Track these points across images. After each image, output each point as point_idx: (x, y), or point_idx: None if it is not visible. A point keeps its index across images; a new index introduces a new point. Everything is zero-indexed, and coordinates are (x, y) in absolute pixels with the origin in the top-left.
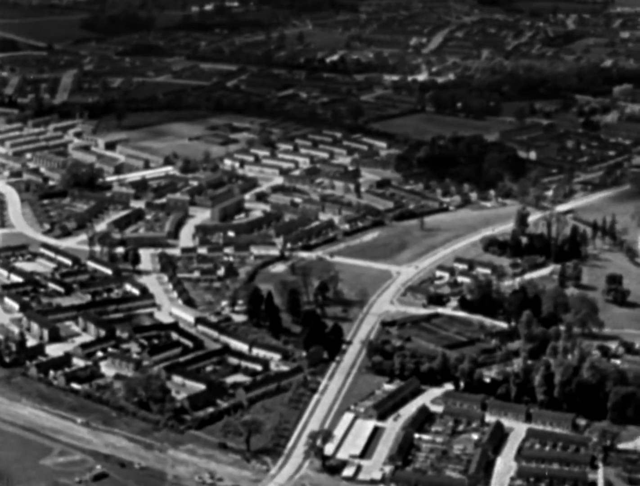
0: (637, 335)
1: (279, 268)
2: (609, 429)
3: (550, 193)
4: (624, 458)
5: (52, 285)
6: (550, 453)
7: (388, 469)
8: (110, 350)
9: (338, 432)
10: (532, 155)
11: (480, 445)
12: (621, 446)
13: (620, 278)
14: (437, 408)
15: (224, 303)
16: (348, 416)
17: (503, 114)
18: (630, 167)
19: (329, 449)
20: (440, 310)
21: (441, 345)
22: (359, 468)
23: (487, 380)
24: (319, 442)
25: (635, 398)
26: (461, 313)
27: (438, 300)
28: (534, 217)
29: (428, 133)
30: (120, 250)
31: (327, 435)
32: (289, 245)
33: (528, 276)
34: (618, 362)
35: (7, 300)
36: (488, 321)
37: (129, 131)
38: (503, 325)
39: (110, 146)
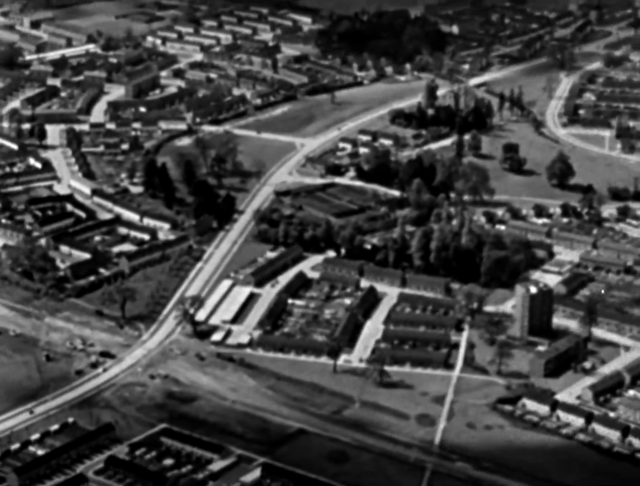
0: (528, 201)
1: (185, 141)
2: (474, 292)
3: (466, 66)
4: (488, 320)
5: None
6: (418, 316)
7: (257, 334)
8: (3, 221)
9: (214, 299)
10: (455, 29)
11: (349, 309)
12: (488, 309)
13: (517, 147)
14: (316, 275)
15: (123, 175)
16: (226, 283)
17: None
18: (550, 40)
19: (201, 315)
20: (337, 179)
21: (331, 213)
22: (228, 333)
23: (368, 246)
24: (188, 308)
25: (508, 262)
26: (358, 183)
27: (336, 170)
28: (445, 90)
29: (354, 7)
30: (27, 126)
31: (196, 301)
32: (198, 120)
33: (430, 147)
34: (503, 227)
35: None
36: (382, 190)
37: (56, 10)
38: (397, 193)
39: (35, 25)
